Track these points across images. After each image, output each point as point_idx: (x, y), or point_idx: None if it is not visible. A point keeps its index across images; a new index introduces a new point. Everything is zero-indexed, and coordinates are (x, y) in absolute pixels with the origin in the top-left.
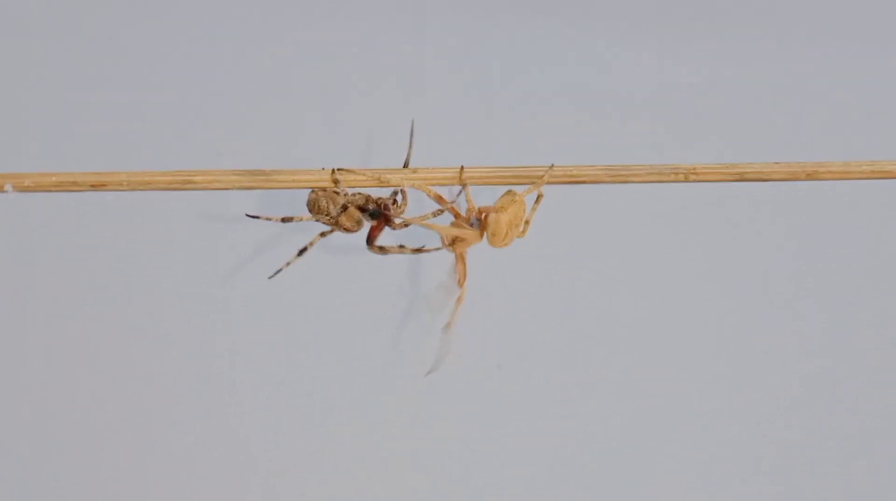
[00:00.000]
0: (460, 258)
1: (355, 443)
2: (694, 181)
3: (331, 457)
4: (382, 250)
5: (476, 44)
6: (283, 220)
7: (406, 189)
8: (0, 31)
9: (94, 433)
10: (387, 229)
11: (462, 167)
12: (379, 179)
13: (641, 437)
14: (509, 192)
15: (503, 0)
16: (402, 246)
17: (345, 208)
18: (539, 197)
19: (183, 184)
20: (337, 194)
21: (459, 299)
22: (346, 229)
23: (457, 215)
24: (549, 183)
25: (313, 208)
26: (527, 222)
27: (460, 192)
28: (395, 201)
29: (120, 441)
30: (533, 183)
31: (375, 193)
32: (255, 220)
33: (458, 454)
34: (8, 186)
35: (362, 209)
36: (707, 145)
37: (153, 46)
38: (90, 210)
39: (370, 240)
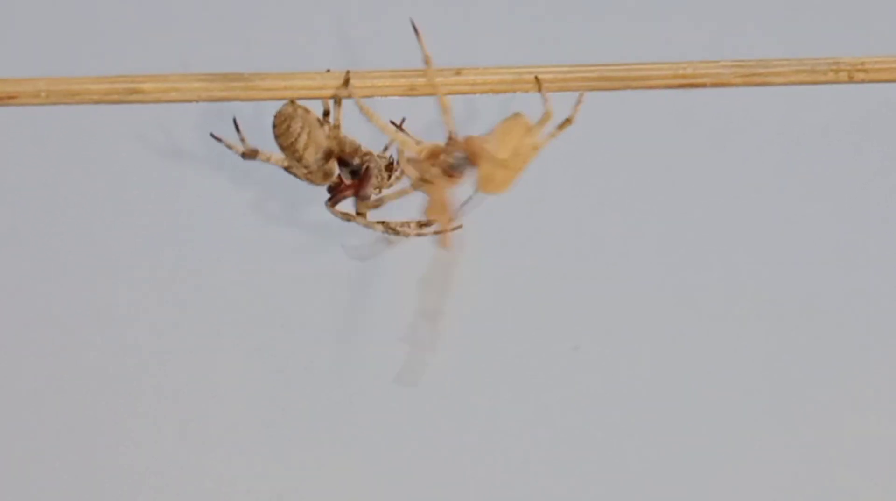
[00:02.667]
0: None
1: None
2: (861, 82)
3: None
4: (347, 216)
5: None
6: (245, 155)
7: (398, 156)
8: None
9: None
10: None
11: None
12: (412, 86)
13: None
14: (515, 115)
15: None
16: (381, 222)
17: (327, 155)
18: (546, 116)
19: (126, 94)
20: (322, 123)
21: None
22: (307, 177)
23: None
24: (652, 87)
25: (281, 126)
26: (534, 148)
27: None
28: (390, 166)
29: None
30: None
31: (372, 145)
32: (224, 148)
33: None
34: None
35: (343, 162)
36: (879, 30)
37: None
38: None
39: (335, 199)
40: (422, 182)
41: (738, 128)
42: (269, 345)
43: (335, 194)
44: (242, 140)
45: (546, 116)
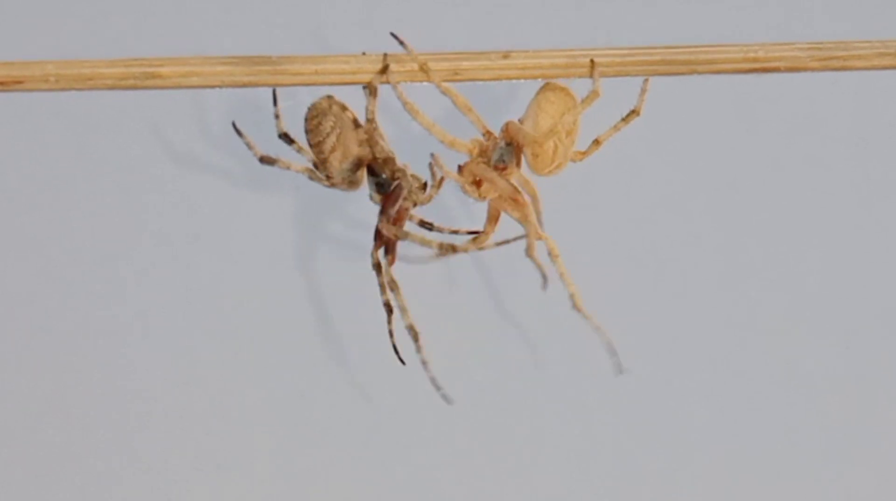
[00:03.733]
0: (497, 210)
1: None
2: None
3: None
4: (404, 234)
5: None
6: (262, 160)
7: (440, 177)
8: None
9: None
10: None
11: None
12: (455, 70)
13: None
14: (548, 86)
15: None
16: (429, 230)
17: (357, 164)
18: (592, 95)
19: (143, 79)
20: (357, 125)
21: (555, 254)
22: (331, 184)
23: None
24: (720, 71)
25: (311, 121)
26: (596, 142)
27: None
28: (424, 186)
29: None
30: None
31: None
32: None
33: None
34: None
35: (372, 172)
36: None
37: None
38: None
39: (386, 215)
40: (475, 187)
41: (815, 117)
42: (289, 348)
43: (386, 207)
44: (277, 117)
45: (593, 95)
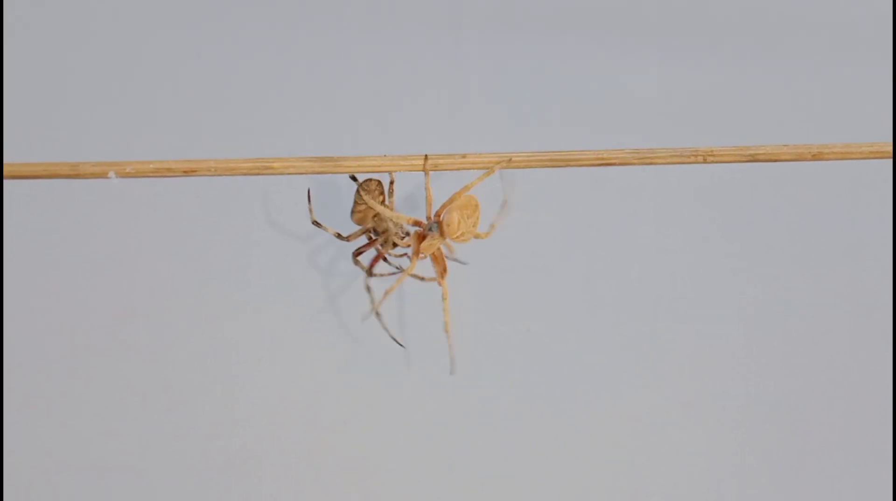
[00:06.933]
0: (435, 259)
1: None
2: (711, 163)
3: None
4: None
5: (514, 54)
6: (313, 222)
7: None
8: (97, 31)
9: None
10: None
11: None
12: (435, 164)
13: (658, 415)
14: (455, 194)
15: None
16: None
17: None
18: (504, 204)
19: (263, 169)
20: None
21: (444, 297)
22: (349, 238)
23: (419, 222)
24: (585, 165)
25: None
26: (492, 226)
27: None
28: (406, 233)
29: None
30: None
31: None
32: (322, 203)
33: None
34: (111, 173)
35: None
36: (724, 126)
37: (237, 50)
38: (180, 193)
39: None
40: (417, 242)
41: (634, 193)
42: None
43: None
44: (311, 211)
45: (485, 175)
